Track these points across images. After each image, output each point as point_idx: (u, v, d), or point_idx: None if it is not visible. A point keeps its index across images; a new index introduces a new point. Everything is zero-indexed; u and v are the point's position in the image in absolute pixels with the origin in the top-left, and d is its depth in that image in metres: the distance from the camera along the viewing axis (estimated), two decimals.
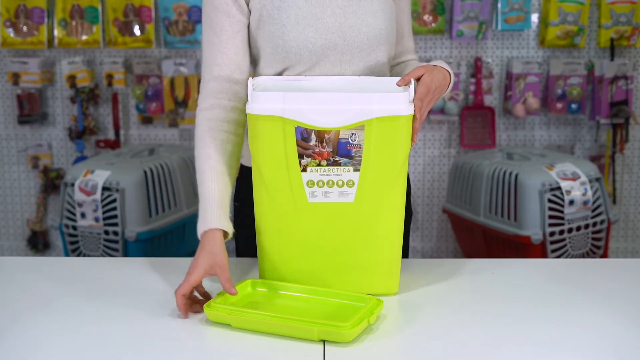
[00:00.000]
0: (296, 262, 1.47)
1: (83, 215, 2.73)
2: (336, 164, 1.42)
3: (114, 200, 2.72)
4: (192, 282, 1.43)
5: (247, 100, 1.44)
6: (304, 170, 1.42)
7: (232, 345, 1.29)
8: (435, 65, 1.53)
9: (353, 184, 1.43)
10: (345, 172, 1.42)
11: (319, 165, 1.42)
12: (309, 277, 1.48)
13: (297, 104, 1.39)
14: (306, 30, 1.56)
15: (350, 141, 1.41)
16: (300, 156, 1.41)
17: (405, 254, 1.78)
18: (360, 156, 1.41)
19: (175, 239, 2.96)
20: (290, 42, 1.56)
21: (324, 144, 1.41)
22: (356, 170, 1.42)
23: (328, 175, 1.42)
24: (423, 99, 1.45)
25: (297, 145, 1.41)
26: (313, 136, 1.40)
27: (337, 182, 1.42)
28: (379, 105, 1.39)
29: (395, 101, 1.40)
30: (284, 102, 1.39)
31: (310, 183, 1.43)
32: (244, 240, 1.70)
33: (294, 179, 1.42)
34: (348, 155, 1.41)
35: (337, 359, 1.24)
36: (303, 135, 1.40)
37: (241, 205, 1.70)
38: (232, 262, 1.75)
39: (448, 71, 1.56)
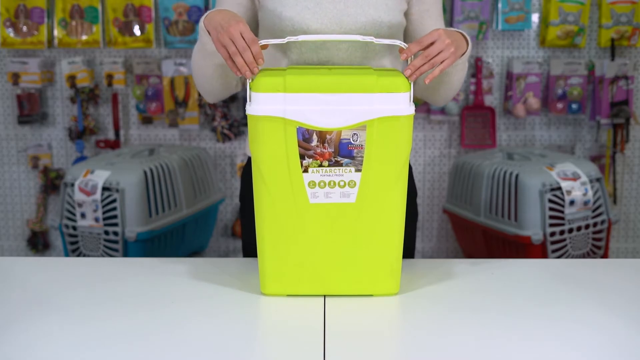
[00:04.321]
0: (297, 263, 1.47)
1: (83, 215, 2.73)
2: (338, 164, 1.41)
3: (114, 201, 2.71)
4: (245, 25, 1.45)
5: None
6: (306, 171, 1.42)
7: (232, 336, 1.29)
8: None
9: (355, 184, 1.42)
10: (346, 173, 1.42)
11: (320, 166, 1.42)
12: (310, 277, 1.47)
13: (299, 104, 1.39)
14: (303, 12, 1.59)
15: (352, 141, 1.40)
16: (302, 157, 1.41)
17: (411, 255, 1.79)
18: (362, 157, 1.41)
19: (175, 239, 2.95)
20: (286, 22, 1.60)
21: (326, 145, 1.40)
22: (358, 170, 1.42)
23: (329, 176, 1.42)
24: (424, 41, 1.46)
25: (299, 146, 1.41)
26: (314, 137, 1.40)
27: (339, 183, 1.42)
28: (380, 106, 1.39)
29: (396, 101, 1.40)
30: (285, 102, 1.39)
31: (312, 184, 1.42)
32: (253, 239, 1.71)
33: (295, 180, 1.42)
34: (349, 156, 1.41)
35: (338, 359, 1.24)
36: (304, 136, 1.40)
37: (248, 204, 1.70)
38: (233, 262, 1.75)
39: (462, 33, 1.58)
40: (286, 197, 1.43)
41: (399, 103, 1.40)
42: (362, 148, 1.41)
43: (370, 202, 1.44)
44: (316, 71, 1.47)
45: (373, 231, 1.46)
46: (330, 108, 1.39)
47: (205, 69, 1.64)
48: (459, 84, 1.69)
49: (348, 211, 1.44)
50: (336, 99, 1.39)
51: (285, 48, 1.64)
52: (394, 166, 1.43)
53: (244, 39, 1.42)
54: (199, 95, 3.33)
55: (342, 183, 1.42)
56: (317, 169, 1.42)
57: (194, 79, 1.72)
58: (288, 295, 1.49)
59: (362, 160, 1.42)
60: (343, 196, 1.43)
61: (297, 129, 1.40)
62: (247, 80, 1.44)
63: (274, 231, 1.46)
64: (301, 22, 1.59)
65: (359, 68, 1.55)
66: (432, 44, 1.47)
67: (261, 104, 1.40)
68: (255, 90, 1.41)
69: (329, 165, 1.42)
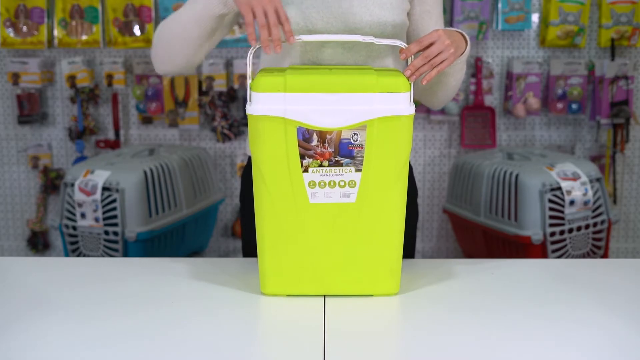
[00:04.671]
0: (297, 263, 1.47)
1: (83, 215, 2.73)
2: (338, 164, 1.41)
3: (114, 201, 2.71)
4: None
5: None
6: (306, 171, 1.42)
7: (232, 336, 1.29)
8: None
9: (355, 184, 1.42)
10: (347, 173, 1.42)
11: (320, 165, 1.41)
12: (310, 277, 1.47)
13: (299, 104, 1.39)
14: (308, 10, 1.59)
15: (352, 141, 1.40)
16: (302, 157, 1.41)
17: (411, 255, 1.78)
18: (362, 156, 1.41)
19: (175, 239, 2.95)
20: (290, 20, 1.58)
21: (326, 145, 1.40)
22: (358, 170, 1.42)
23: (330, 175, 1.42)
24: (424, 41, 1.46)
25: (299, 145, 1.41)
26: (315, 137, 1.40)
27: (339, 183, 1.42)
28: (380, 105, 1.39)
29: (396, 101, 1.40)
30: (285, 102, 1.39)
31: (312, 184, 1.42)
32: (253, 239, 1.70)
33: (296, 180, 1.42)
34: (350, 156, 1.41)
35: (338, 359, 1.24)
36: (304, 136, 1.40)
37: (248, 204, 1.70)
38: (233, 262, 1.75)
39: (461, 33, 1.57)
40: (286, 197, 1.43)
41: (399, 103, 1.40)
42: (362, 148, 1.41)
43: (370, 202, 1.44)
44: (316, 71, 1.47)
45: (373, 231, 1.46)
46: (330, 108, 1.39)
47: (184, 33, 1.57)
48: (456, 84, 1.69)
49: (348, 211, 1.44)
50: (336, 98, 1.39)
51: (287, 46, 1.64)
52: (394, 166, 1.43)
53: (278, 15, 1.44)
54: (199, 95, 3.33)
55: (342, 183, 1.42)
56: (317, 168, 1.42)
57: (159, 41, 1.62)
58: (288, 295, 1.49)
59: (362, 160, 1.41)
60: (343, 196, 1.43)
61: (297, 128, 1.40)
62: (248, 80, 1.44)
63: (274, 231, 1.46)
64: (306, 20, 1.59)
65: (359, 68, 1.55)
66: (432, 44, 1.47)
67: (261, 103, 1.40)
68: (256, 90, 1.41)
69: (329, 165, 1.42)
